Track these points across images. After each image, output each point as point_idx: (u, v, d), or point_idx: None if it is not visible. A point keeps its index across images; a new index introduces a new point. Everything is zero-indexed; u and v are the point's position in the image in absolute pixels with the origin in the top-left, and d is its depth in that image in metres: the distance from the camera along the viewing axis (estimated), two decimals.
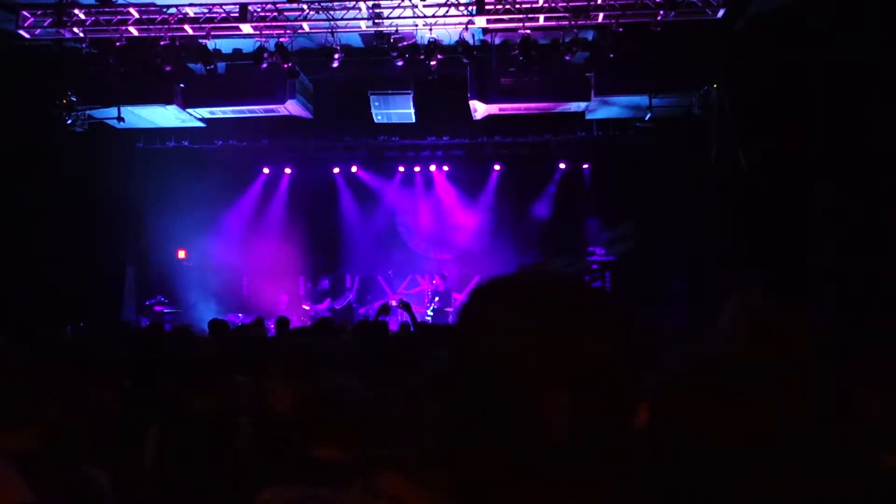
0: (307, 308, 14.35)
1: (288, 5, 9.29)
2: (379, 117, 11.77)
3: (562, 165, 14.87)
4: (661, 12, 9.13)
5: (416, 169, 15.28)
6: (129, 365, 3.85)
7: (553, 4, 9.29)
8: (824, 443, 1.30)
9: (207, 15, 9.66)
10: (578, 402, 0.99)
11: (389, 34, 9.94)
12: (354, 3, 9.33)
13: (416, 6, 9.28)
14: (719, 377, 1.31)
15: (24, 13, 9.47)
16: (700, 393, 1.33)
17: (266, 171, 15.33)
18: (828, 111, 8.62)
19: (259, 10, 9.56)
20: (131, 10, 9.51)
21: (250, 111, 11.30)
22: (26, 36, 9.58)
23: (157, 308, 13.23)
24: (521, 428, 0.99)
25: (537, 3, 9.32)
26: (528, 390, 0.99)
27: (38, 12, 9.49)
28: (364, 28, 9.78)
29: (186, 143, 13.36)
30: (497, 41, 10.52)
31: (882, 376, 1.87)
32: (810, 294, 8.44)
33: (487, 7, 9.28)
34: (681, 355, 1.40)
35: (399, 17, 9.47)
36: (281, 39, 9.87)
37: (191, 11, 9.63)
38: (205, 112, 11.34)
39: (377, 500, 1.06)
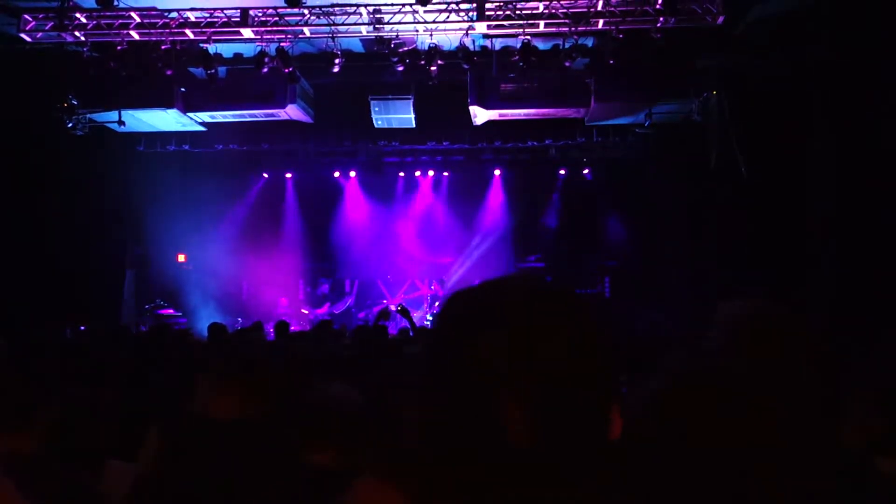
0: (306, 312, 14.35)
1: (289, 10, 9.31)
2: (379, 122, 11.78)
3: (561, 171, 14.89)
4: (661, 19, 9.15)
5: (416, 174, 15.30)
6: (130, 367, 3.86)
7: (553, 11, 9.32)
8: (821, 446, 1.31)
9: (209, 19, 9.69)
10: (538, 412, 0.99)
11: (390, 39, 9.97)
12: (355, 8, 9.36)
13: (417, 12, 9.30)
14: (715, 381, 1.32)
15: (26, 16, 9.49)
16: (697, 397, 1.34)
17: (266, 175, 15.36)
18: (827, 116, 8.64)
19: (260, 14, 9.59)
20: (133, 14, 9.53)
21: (251, 115, 11.32)
22: (28, 39, 9.60)
23: (158, 311, 13.23)
24: (485, 434, 1.00)
25: (537, 9, 9.35)
26: (491, 397, 1.00)
27: (40, 16, 9.51)
28: (365, 33, 9.81)
29: (187, 147, 13.38)
30: (497, 47, 10.54)
31: (879, 378, 1.88)
32: (810, 297, 8.45)
33: (488, 13, 9.31)
34: (678, 359, 1.41)
35: (400, 23, 9.49)
36: (282, 44, 9.88)
37: (192, 16, 9.66)
38: (205, 116, 11.36)
39: None
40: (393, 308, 8.82)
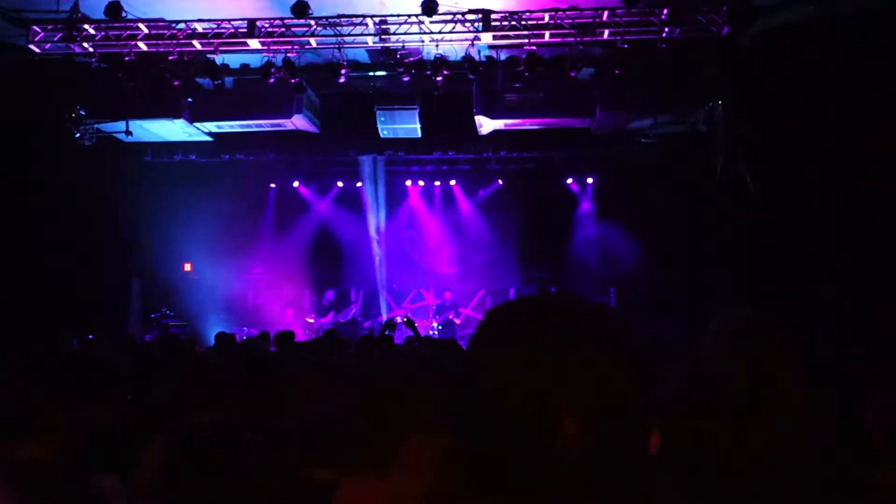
0: (311, 321, 14.36)
1: (295, 21, 9.36)
2: (385, 132, 11.81)
3: (567, 181, 14.89)
4: (667, 29, 9.17)
5: (421, 183, 15.32)
6: (137, 377, 3.87)
7: (559, 21, 9.34)
8: (820, 460, 1.31)
9: (216, 30, 9.75)
10: (592, 430, 1.00)
11: (396, 50, 10.02)
12: (361, 19, 9.41)
13: (423, 22, 9.34)
14: (708, 396, 1.33)
15: (35, 28, 9.57)
16: (695, 412, 1.34)
17: (273, 185, 15.41)
18: (832, 127, 8.64)
19: (267, 25, 9.64)
20: (140, 25, 9.60)
21: (257, 125, 11.37)
22: (36, 50, 9.67)
23: (163, 321, 13.26)
24: (536, 452, 1.01)
25: (543, 19, 9.38)
26: (543, 416, 1.01)
27: (49, 27, 9.58)
28: (371, 44, 9.85)
29: (194, 157, 13.44)
30: (503, 57, 10.57)
31: (879, 391, 1.88)
32: (814, 309, 8.42)
33: (494, 24, 9.35)
34: (677, 374, 1.42)
35: (406, 33, 9.53)
36: (288, 55, 9.94)
37: (199, 27, 9.72)
38: (212, 126, 11.41)
39: None
40: (399, 319, 8.84)
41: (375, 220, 15.18)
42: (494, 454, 1.03)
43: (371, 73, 11.24)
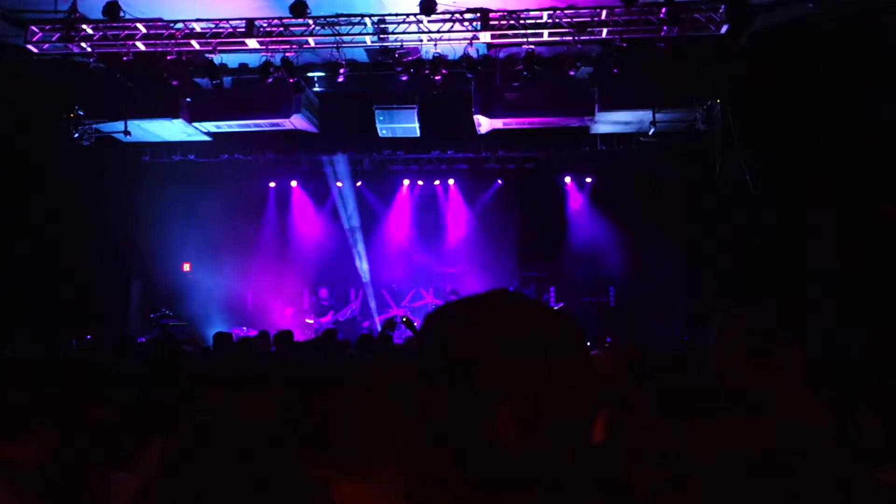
0: (311, 322, 14.36)
1: (294, 21, 9.35)
2: (384, 131, 11.81)
3: (566, 179, 14.89)
4: (665, 28, 9.16)
5: (420, 183, 15.32)
6: (136, 376, 3.87)
7: (557, 20, 9.34)
8: (819, 458, 1.31)
9: (214, 30, 9.74)
10: (526, 418, 1.01)
11: (394, 49, 10.01)
12: (360, 18, 9.40)
13: (421, 21, 9.34)
14: (712, 394, 1.33)
15: (33, 28, 9.56)
16: (695, 412, 1.34)
17: (272, 184, 15.40)
18: (831, 126, 8.64)
19: (265, 25, 9.64)
20: (138, 25, 9.59)
21: (256, 125, 11.36)
22: (35, 50, 9.66)
23: (163, 321, 13.26)
24: (475, 437, 1.02)
25: (541, 18, 9.38)
26: (480, 403, 1.02)
27: (47, 27, 9.56)
28: (369, 43, 9.85)
29: (192, 157, 13.43)
30: (501, 56, 10.56)
31: (872, 390, 1.88)
32: (812, 305, 8.43)
33: (492, 23, 9.34)
34: (677, 374, 1.42)
35: (404, 33, 9.53)
36: (287, 54, 9.93)
37: (197, 27, 9.71)
38: (211, 126, 11.41)
39: None
40: (399, 319, 8.86)
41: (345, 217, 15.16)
42: (441, 450, 1.04)
43: (370, 73, 11.24)
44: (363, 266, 15.03)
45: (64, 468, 2.19)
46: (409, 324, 8.38)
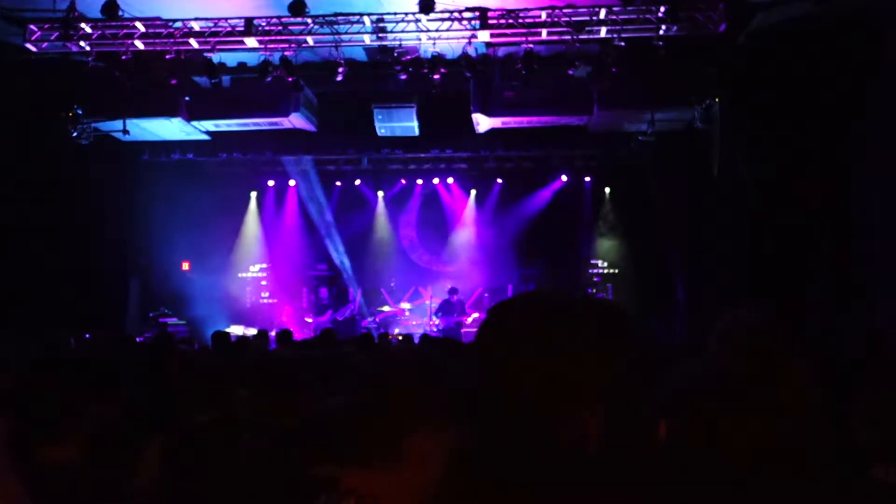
0: (310, 321, 14.36)
1: (292, 19, 9.35)
2: (382, 130, 11.80)
3: (564, 178, 14.90)
4: (664, 27, 9.17)
5: (419, 182, 15.32)
6: (135, 376, 3.87)
7: (556, 19, 9.35)
8: (818, 458, 1.32)
9: (213, 29, 9.74)
10: (609, 421, 1.01)
11: (393, 48, 10.00)
12: (358, 17, 9.41)
13: (420, 20, 9.34)
14: (714, 394, 1.33)
15: (32, 27, 9.55)
16: (699, 410, 1.35)
17: (270, 183, 15.39)
18: (829, 124, 8.65)
19: (264, 24, 9.64)
20: (137, 24, 9.59)
21: (255, 124, 11.36)
22: (33, 49, 9.66)
23: (161, 320, 13.25)
24: (552, 444, 1.02)
25: (540, 17, 9.38)
26: (557, 410, 1.01)
27: (46, 26, 9.56)
28: (368, 42, 9.85)
29: (191, 156, 13.42)
30: (500, 55, 10.57)
31: (874, 390, 1.88)
32: (812, 305, 8.44)
33: (491, 21, 9.35)
34: (680, 372, 1.42)
35: (403, 32, 9.53)
36: (285, 53, 9.93)
37: (196, 25, 9.71)
38: (209, 125, 11.41)
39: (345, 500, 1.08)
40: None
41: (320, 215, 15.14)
42: (506, 449, 1.04)
43: (368, 72, 11.23)
44: (346, 263, 15.02)
45: (100, 466, 2.21)
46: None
